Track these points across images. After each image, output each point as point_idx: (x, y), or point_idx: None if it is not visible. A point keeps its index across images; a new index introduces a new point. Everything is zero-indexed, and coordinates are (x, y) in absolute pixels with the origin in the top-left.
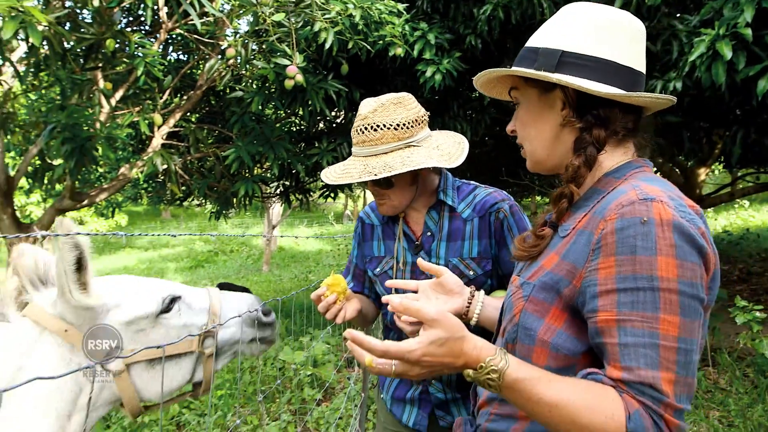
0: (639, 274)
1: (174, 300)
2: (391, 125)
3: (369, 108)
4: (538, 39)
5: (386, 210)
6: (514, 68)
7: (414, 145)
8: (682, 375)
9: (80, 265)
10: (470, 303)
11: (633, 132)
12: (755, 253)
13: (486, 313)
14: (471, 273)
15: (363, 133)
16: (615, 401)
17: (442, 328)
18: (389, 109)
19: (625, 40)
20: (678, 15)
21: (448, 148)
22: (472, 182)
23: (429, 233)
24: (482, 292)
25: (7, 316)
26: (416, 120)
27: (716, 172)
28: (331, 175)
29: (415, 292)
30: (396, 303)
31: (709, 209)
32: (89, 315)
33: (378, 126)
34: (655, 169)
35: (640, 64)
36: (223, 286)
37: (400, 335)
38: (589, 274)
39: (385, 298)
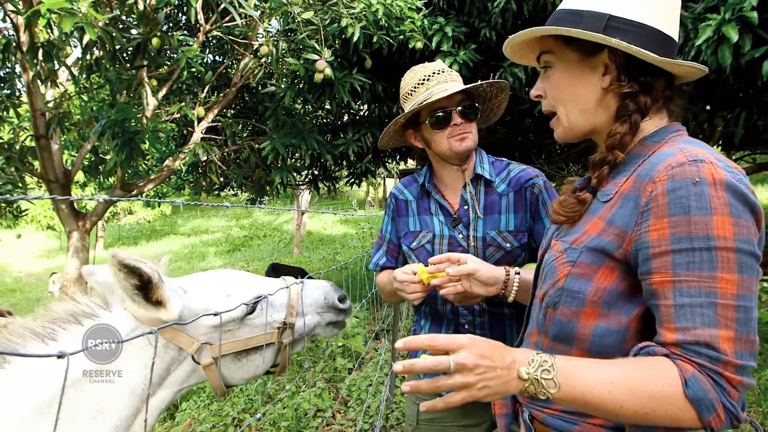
0: (695, 234)
1: (257, 302)
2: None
3: (428, 64)
4: (579, 1)
5: (470, 142)
6: (566, 28)
7: None
8: (743, 332)
9: (148, 285)
10: (507, 282)
11: (671, 99)
12: None
13: (521, 294)
14: (508, 245)
15: (442, 73)
16: (668, 370)
17: (474, 345)
18: (441, 64)
19: (666, 8)
20: (683, 2)
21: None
22: (503, 159)
23: (466, 206)
24: (516, 270)
25: (111, 306)
26: None
27: None
28: (435, 93)
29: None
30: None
31: None
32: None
33: (451, 71)
34: None
35: (675, 33)
36: (275, 267)
37: (433, 310)
38: (639, 236)
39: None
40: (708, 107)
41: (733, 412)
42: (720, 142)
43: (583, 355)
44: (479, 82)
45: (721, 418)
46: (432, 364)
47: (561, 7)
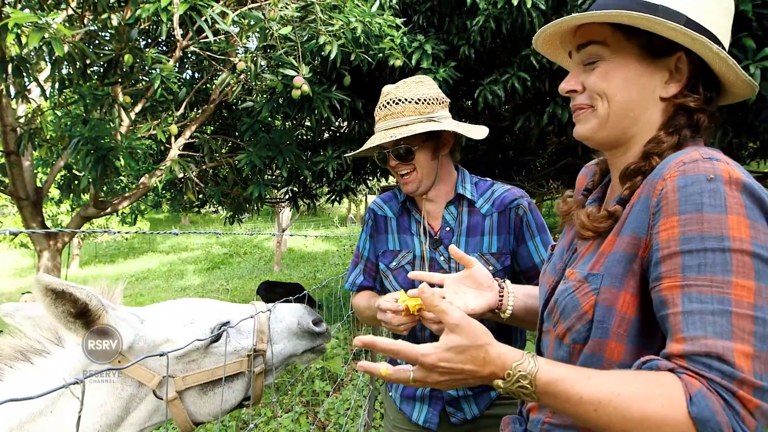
0: (707, 233)
1: (222, 329)
2: (413, 99)
3: (392, 86)
4: None
5: (411, 187)
6: (655, 18)
7: (435, 120)
8: (763, 350)
9: (86, 312)
10: (502, 296)
11: (710, 125)
12: None
13: (518, 304)
14: (490, 268)
15: (386, 107)
16: (671, 385)
17: (463, 335)
18: (411, 86)
19: (727, 20)
20: None
21: (469, 126)
22: (488, 179)
23: (448, 228)
24: (509, 282)
25: (63, 341)
26: (437, 98)
27: None
28: (356, 149)
29: (440, 286)
30: (427, 294)
31: None
32: (135, 351)
33: (400, 100)
34: None
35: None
36: (268, 286)
37: (411, 335)
38: (652, 240)
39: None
40: None
41: None
42: None
43: None
44: (408, 134)
45: None
46: (394, 376)
47: None
